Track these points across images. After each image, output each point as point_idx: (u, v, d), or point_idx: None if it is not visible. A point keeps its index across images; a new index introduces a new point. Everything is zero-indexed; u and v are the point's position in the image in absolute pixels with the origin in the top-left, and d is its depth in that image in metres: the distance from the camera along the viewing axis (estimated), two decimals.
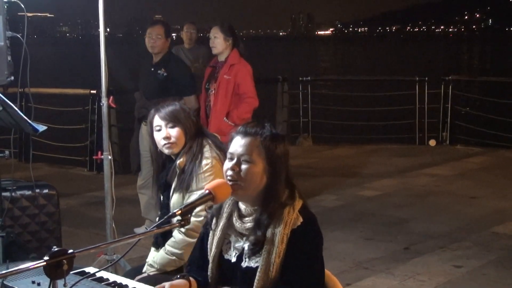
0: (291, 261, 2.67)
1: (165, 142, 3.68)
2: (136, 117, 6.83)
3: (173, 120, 3.67)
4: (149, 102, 6.47)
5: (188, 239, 3.58)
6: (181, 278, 2.82)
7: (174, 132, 3.67)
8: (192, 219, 3.53)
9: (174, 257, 3.62)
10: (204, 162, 3.63)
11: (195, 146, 3.68)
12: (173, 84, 6.40)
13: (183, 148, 3.69)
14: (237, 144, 2.76)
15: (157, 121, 3.72)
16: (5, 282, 2.77)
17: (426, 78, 11.93)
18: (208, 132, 3.91)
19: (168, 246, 3.65)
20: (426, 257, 6.04)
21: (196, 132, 3.72)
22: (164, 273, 3.61)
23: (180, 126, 3.68)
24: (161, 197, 3.81)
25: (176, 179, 3.67)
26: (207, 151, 3.67)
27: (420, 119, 11.78)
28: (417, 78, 11.97)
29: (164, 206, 3.74)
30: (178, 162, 3.66)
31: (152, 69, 6.51)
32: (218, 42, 6.31)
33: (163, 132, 3.68)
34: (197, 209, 3.45)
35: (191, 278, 2.85)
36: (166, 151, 3.71)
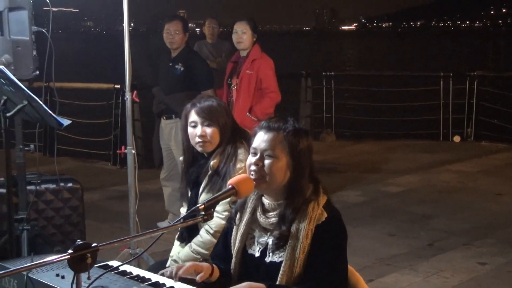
0: (315, 256, 2.67)
1: (200, 140, 3.62)
2: (154, 112, 6.87)
3: (210, 118, 3.60)
4: (167, 97, 6.51)
5: (215, 241, 3.51)
6: (204, 262, 2.84)
7: (210, 130, 3.61)
8: (222, 222, 3.52)
9: (199, 257, 3.61)
10: (238, 165, 3.56)
11: (229, 148, 3.61)
12: (191, 78, 6.41)
13: (217, 148, 3.64)
14: (260, 139, 2.77)
15: (193, 116, 3.65)
16: (30, 275, 2.80)
17: (451, 74, 11.85)
18: (241, 129, 3.83)
19: (194, 245, 3.64)
20: (449, 253, 6.00)
21: (231, 132, 3.66)
22: None
23: (216, 126, 3.61)
24: (189, 192, 3.79)
25: (207, 178, 3.62)
26: (242, 154, 3.60)
27: (445, 115, 11.70)
28: (442, 74, 11.89)
29: (192, 203, 3.67)
30: (212, 163, 3.60)
31: (170, 64, 6.54)
32: (246, 37, 6.30)
33: (198, 129, 3.62)
34: (227, 213, 3.46)
35: (214, 265, 2.87)
36: (199, 149, 3.66)
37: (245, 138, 3.68)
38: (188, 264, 2.75)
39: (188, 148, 3.76)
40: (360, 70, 37.25)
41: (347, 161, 10.15)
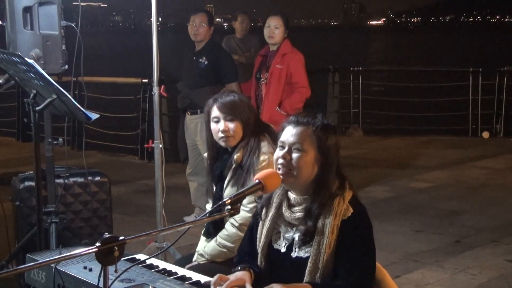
0: (342, 252, 2.66)
1: (223, 135, 3.62)
2: (179, 107, 6.87)
3: (232, 113, 3.60)
4: (191, 92, 6.50)
5: (241, 234, 3.53)
6: (242, 270, 2.84)
7: (233, 125, 3.61)
8: (247, 214, 3.53)
9: (225, 250, 3.62)
10: (261, 158, 3.57)
11: (252, 141, 3.61)
12: (215, 72, 6.41)
13: (240, 142, 3.64)
14: (289, 133, 2.77)
15: (215, 112, 3.65)
16: (58, 267, 2.83)
17: (480, 69, 11.72)
18: (264, 123, 3.86)
19: (220, 239, 3.65)
20: (477, 250, 5.95)
21: (254, 126, 3.66)
22: (213, 263, 3.63)
23: (239, 120, 3.61)
24: (214, 187, 3.81)
25: (231, 172, 3.63)
26: (265, 146, 3.61)
27: (474, 111, 11.60)
28: (471, 69, 11.77)
29: (217, 198, 3.69)
30: (235, 156, 3.60)
31: (194, 58, 6.54)
32: (279, 32, 6.27)
33: (221, 124, 3.62)
34: (252, 205, 3.46)
35: (251, 270, 2.86)
36: (222, 143, 3.67)
37: (268, 132, 3.70)
38: (231, 278, 2.74)
39: (212, 144, 3.77)
40: (388, 65, 37.02)
41: (374, 157, 10.11)
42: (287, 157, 2.73)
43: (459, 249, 6.01)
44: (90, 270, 2.80)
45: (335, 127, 2.84)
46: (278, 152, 2.77)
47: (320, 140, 2.73)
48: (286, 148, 2.75)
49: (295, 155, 2.73)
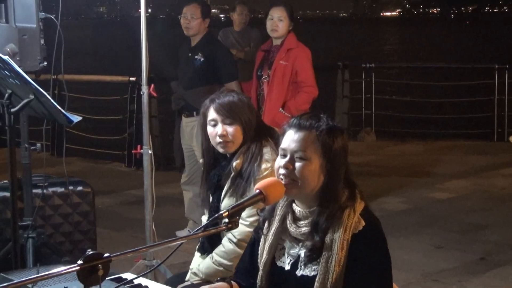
0: (354, 270, 2.65)
1: (220, 140, 3.60)
2: (173, 109, 6.87)
3: (231, 116, 3.58)
4: (186, 93, 6.50)
5: (239, 251, 3.52)
6: (221, 281, 2.85)
7: (232, 129, 3.58)
8: (246, 229, 3.52)
9: (221, 268, 3.61)
10: (263, 166, 3.55)
11: (254, 147, 3.59)
12: (212, 70, 6.40)
13: (240, 148, 3.62)
14: (290, 139, 2.75)
15: (212, 114, 3.62)
16: None
17: (507, 66, 11.73)
18: (267, 126, 3.82)
19: (216, 256, 3.64)
20: (504, 269, 5.95)
21: (256, 130, 3.64)
22: (208, 282, 3.63)
23: (239, 123, 3.58)
24: (210, 198, 3.79)
25: (229, 181, 3.62)
26: (267, 153, 3.58)
27: (500, 112, 11.60)
28: (497, 66, 11.79)
29: (214, 209, 3.68)
30: (234, 164, 3.58)
31: (190, 55, 6.53)
32: (283, 25, 6.25)
33: (219, 128, 3.60)
34: (252, 218, 3.46)
35: (233, 283, 2.87)
36: (220, 149, 3.65)
37: (271, 136, 3.67)
38: None
39: (208, 149, 3.75)
40: (404, 61, 37.07)
41: (389, 164, 10.11)
42: (289, 166, 2.72)
43: (484, 267, 6.00)
44: None
45: (342, 129, 2.83)
46: (280, 161, 2.76)
47: (325, 145, 2.72)
48: (288, 157, 2.74)
49: (298, 164, 2.71)
